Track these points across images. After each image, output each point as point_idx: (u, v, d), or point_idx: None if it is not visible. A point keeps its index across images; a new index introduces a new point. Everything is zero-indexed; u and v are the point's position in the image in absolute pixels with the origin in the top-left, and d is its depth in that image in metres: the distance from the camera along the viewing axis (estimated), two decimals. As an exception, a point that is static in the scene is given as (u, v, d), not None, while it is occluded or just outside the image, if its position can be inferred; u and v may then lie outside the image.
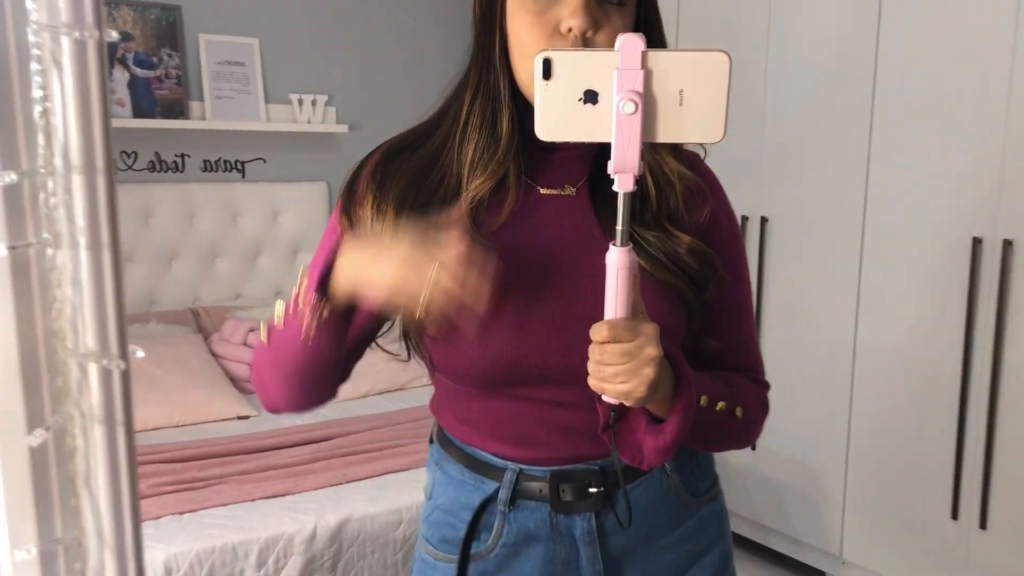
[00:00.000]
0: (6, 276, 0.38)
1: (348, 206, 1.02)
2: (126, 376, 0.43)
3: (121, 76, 3.30)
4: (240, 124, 3.46)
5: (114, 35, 0.40)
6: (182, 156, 3.44)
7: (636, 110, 0.76)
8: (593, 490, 1.03)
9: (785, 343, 3.09)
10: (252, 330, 3.01)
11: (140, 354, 0.44)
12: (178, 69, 3.39)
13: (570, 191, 1.03)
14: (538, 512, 1.04)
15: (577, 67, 0.78)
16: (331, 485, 2.33)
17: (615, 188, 0.79)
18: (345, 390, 1.12)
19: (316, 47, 3.69)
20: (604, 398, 0.88)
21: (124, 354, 0.42)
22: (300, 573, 2.12)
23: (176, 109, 3.38)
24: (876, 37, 2.75)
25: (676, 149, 1.04)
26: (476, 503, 1.06)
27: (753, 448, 3.15)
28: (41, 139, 0.38)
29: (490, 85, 1.00)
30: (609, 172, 0.79)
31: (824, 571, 3.06)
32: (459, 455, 1.09)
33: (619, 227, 0.81)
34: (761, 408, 1.10)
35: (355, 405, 2.96)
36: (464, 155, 1.01)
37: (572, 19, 0.91)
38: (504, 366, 0.98)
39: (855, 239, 2.85)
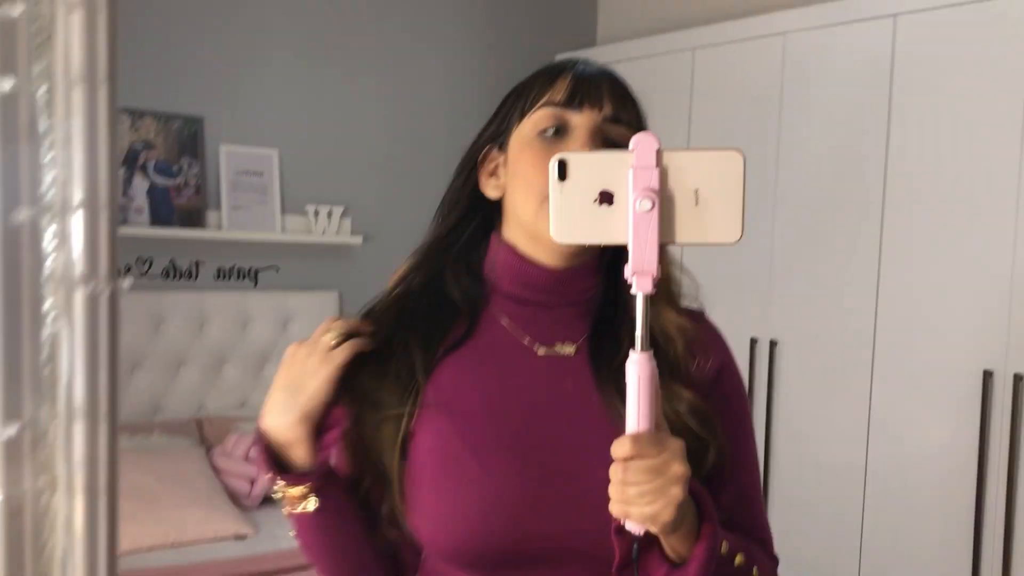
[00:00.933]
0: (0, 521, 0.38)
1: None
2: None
3: (141, 184, 3.36)
4: (255, 234, 3.50)
5: (125, 285, 0.41)
6: (196, 263, 3.47)
7: (653, 207, 0.75)
8: None
9: (795, 466, 3.04)
10: (255, 444, 2.98)
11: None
12: (197, 178, 3.46)
13: (568, 350, 1.01)
14: None
15: (592, 168, 0.77)
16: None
17: (633, 291, 0.77)
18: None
19: (334, 158, 3.77)
20: (627, 525, 0.82)
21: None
22: None
23: (194, 217, 3.43)
24: (884, 168, 2.79)
25: (676, 304, 1.02)
26: None
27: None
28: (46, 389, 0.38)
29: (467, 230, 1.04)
30: (626, 276, 0.76)
31: None
32: None
33: (639, 332, 0.78)
34: None
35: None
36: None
37: None
38: (476, 537, 0.92)
39: (865, 364, 2.84)
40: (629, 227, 0.76)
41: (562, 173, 0.77)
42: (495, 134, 1.04)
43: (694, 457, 0.92)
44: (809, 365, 3.02)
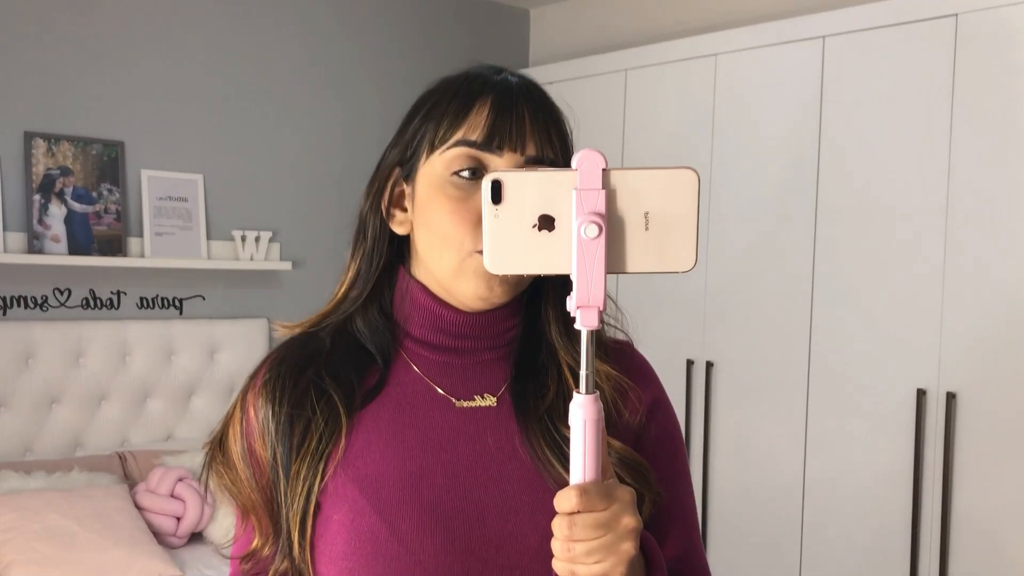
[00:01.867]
0: None
1: None
2: None
3: (58, 211, 3.22)
4: (180, 261, 3.38)
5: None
6: (118, 293, 3.34)
7: (600, 233, 0.67)
8: None
9: (733, 486, 3.03)
10: (181, 479, 2.86)
11: None
12: (118, 204, 3.33)
13: (489, 402, 0.92)
14: None
15: (531, 189, 0.69)
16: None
17: (577, 326, 0.69)
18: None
19: (261, 182, 3.67)
20: None
21: None
22: None
23: (114, 245, 3.30)
24: (816, 188, 2.81)
25: (602, 343, 0.96)
26: None
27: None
28: None
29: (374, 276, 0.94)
30: (569, 309, 0.69)
31: None
32: None
33: (583, 371, 0.70)
34: None
35: None
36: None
37: None
38: None
39: (801, 384, 2.84)
40: (573, 256, 0.68)
41: (496, 195, 0.69)
42: (401, 159, 0.94)
43: None
44: (745, 386, 3.01)
